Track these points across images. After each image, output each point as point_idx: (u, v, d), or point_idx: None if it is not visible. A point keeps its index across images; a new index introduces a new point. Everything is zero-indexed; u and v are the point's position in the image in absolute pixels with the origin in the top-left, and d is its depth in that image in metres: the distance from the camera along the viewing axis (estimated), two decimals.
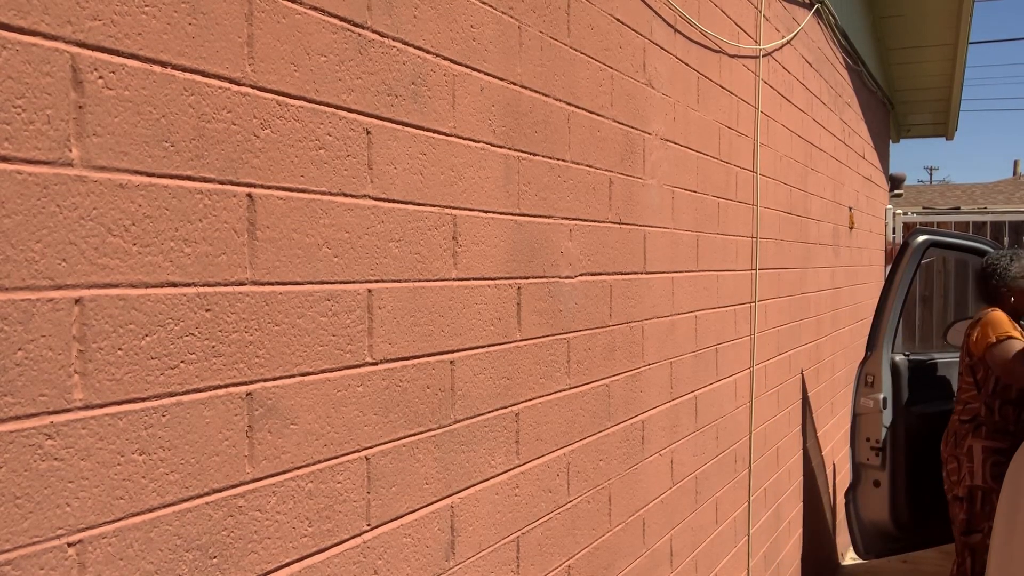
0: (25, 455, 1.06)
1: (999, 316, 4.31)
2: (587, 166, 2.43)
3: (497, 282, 2.01)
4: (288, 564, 1.44)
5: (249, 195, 1.36)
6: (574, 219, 2.36)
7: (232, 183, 1.33)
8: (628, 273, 2.70)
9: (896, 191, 9.46)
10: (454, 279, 1.86)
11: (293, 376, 1.44)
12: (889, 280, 5.00)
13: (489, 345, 1.98)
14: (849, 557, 6.43)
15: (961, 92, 8.99)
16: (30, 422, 1.06)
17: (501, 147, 2.02)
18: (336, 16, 1.53)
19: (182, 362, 1.25)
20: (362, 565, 1.60)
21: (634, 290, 2.74)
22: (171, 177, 1.24)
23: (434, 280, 1.79)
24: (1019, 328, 4.31)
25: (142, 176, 1.20)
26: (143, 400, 1.20)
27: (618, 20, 2.60)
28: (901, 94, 9.03)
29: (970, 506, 4.36)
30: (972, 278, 4.81)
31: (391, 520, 1.67)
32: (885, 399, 4.97)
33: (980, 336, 4.31)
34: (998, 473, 4.25)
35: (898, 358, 5.09)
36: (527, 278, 2.13)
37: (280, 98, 1.42)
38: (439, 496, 1.81)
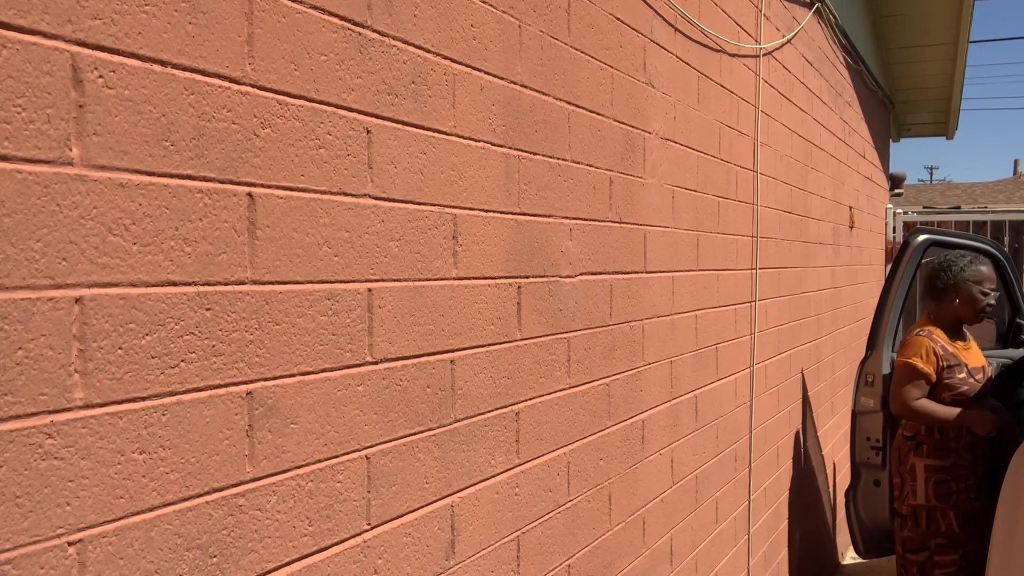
0: (25, 454, 1.06)
1: (915, 341, 4.24)
2: (587, 165, 2.43)
3: (497, 281, 2.01)
4: (288, 563, 1.44)
5: (249, 194, 1.36)
6: (574, 218, 2.36)
7: (232, 182, 1.33)
8: (628, 272, 2.70)
9: (896, 190, 9.47)
10: (454, 278, 1.86)
11: (293, 375, 1.44)
12: (889, 279, 4.99)
13: (489, 344, 1.98)
14: (849, 556, 6.43)
15: (961, 91, 9.00)
16: (30, 421, 1.06)
17: (501, 146, 2.02)
18: (336, 15, 1.53)
19: (182, 361, 1.25)
20: (362, 564, 1.60)
21: (634, 289, 2.74)
22: (171, 176, 1.24)
23: (434, 279, 1.79)
24: (934, 351, 4.21)
25: (142, 175, 1.20)
26: (143, 399, 1.20)
27: (618, 19, 2.60)
28: (901, 93, 9.03)
29: (914, 525, 4.24)
30: (921, 276, 4.69)
31: (391, 519, 1.67)
32: (885, 398, 4.96)
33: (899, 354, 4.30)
34: (942, 492, 4.17)
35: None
36: (527, 277, 2.13)
37: (280, 97, 1.42)
38: (439, 495, 1.81)
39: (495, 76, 1.99)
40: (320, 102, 1.50)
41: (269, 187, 1.40)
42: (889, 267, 5.31)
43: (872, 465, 4.94)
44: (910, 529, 4.28)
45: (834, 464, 6.16)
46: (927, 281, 4.45)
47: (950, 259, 4.37)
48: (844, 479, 6.30)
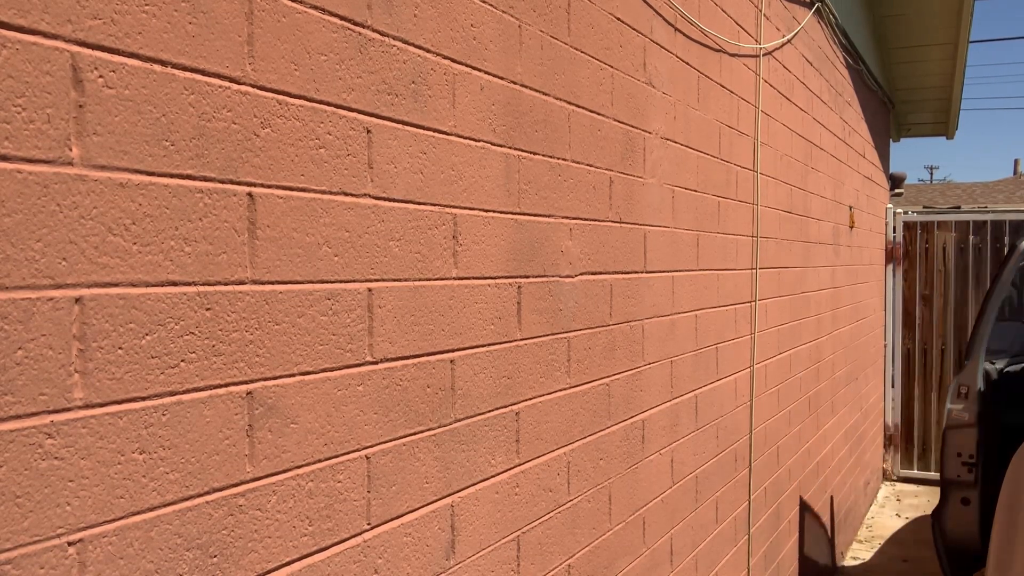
0: (25, 454, 1.06)
1: None
2: (587, 165, 2.42)
3: (497, 281, 2.01)
4: (288, 563, 1.44)
5: (249, 194, 1.36)
6: (574, 218, 2.36)
7: (232, 182, 1.33)
8: (628, 272, 2.70)
9: (896, 190, 9.46)
10: (454, 278, 1.86)
11: (293, 375, 1.44)
12: (992, 286, 4.73)
13: (489, 344, 1.98)
14: (849, 557, 6.43)
15: (961, 91, 8.99)
16: (30, 421, 1.06)
17: (501, 146, 2.02)
18: (336, 15, 1.53)
19: (182, 361, 1.25)
20: (362, 564, 1.60)
21: (634, 289, 2.74)
22: (171, 176, 1.24)
23: (434, 279, 1.79)
24: None
25: (142, 175, 1.20)
26: (143, 399, 1.20)
27: (618, 19, 2.60)
28: (901, 93, 9.03)
29: None
30: None
31: (391, 519, 1.67)
32: (980, 413, 4.57)
33: None
34: None
35: (990, 367, 4.77)
36: (527, 277, 2.13)
37: (280, 97, 1.42)
38: (439, 495, 1.81)
39: (495, 76, 1.99)
40: (320, 102, 1.50)
41: (269, 187, 1.40)
42: (994, 274, 5.07)
43: (963, 483, 4.63)
44: None
45: (834, 464, 6.16)
46: None
47: None
48: (844, 479, 6.30)
